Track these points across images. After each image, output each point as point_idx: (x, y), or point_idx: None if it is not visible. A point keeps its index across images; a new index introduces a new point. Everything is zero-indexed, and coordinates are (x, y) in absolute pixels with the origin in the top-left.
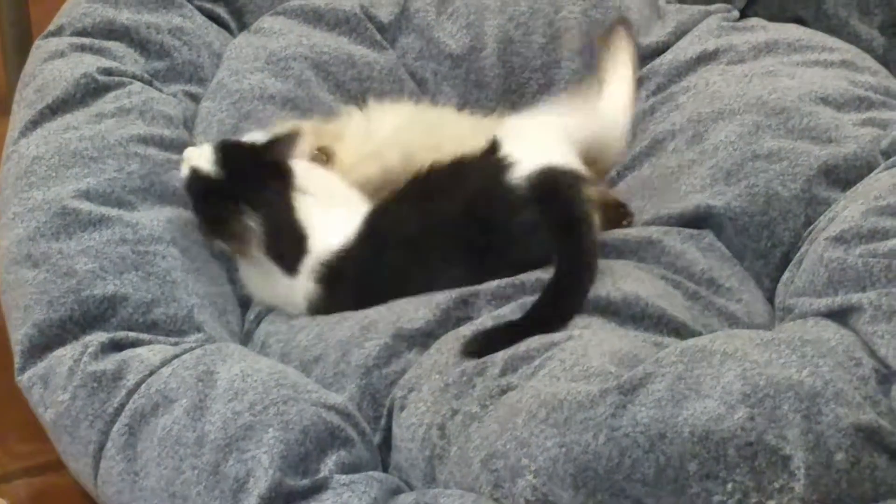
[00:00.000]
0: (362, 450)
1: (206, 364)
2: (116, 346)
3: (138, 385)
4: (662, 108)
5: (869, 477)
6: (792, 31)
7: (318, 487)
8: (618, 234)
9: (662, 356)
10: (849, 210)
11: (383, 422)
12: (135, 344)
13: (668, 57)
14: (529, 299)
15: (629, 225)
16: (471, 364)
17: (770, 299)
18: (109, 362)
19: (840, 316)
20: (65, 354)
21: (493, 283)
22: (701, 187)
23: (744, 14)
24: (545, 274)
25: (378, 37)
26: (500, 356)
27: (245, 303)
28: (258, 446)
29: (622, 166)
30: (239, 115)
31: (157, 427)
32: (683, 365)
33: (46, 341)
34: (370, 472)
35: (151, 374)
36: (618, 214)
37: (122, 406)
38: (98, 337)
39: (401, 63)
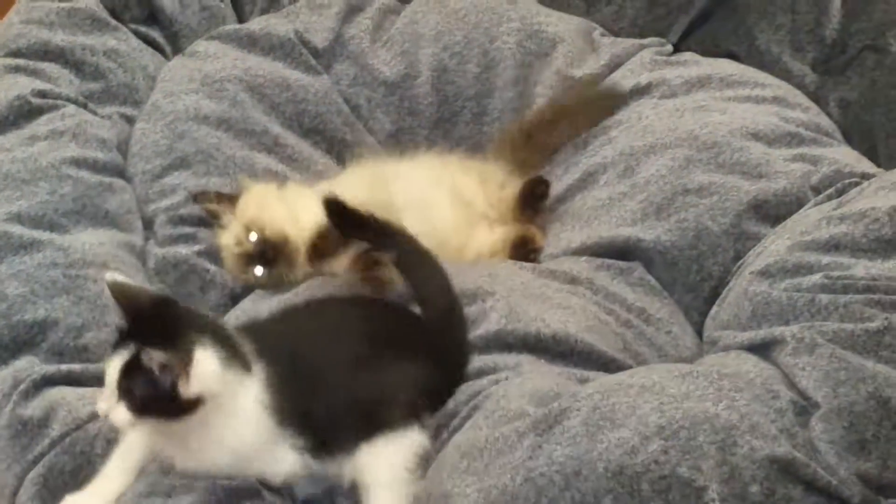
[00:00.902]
0: None
1: None
2: (48, 381)
3: (62, 437)
4: (595, 141)
5: None
6: (724, 67)
7: None
8: (549, 265)
9: (579, 391)
10: (775, 245)
11: None
12: (68, 379)
13: None
14: None
15: (535, 261)
16: None
17: (699, 332)
18: (37, 406)
19: (762, 349)
20: None
21: None
22: (632, 220)
23: (677, 48)
24: None
25: (312, 61)
26: (433, 422)
27: None
28: None
29: (554, 198)
30: (174, 136)
31: (73, 488)
32: (599, 395)
33: None
34: None
35: (77, 427)
36: (526, 250)
37: (42, 455)
38: (30, 366)
39: (335, 88)
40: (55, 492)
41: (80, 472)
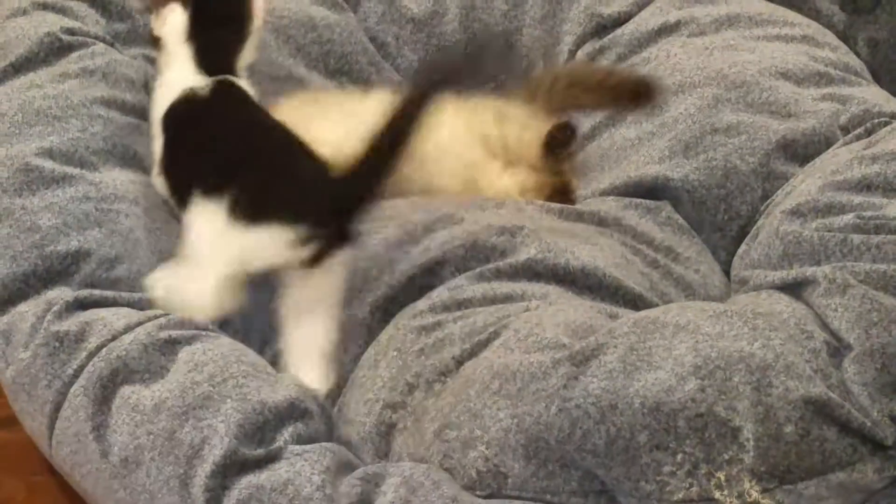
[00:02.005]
0: (320, 423)
1: (168, 333)
2: (81, 304)
3: (99, 348)
4: None
5: (818, 449)
6: (753, 5)
7: (273, 457)
8: (577, 207)
9: (615, 327)
10: (805, 184)
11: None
12: (99, 303)
13: (629, 27)
14: (488, 268)
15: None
16: (429, 341)
17: (727, 271)
18: (73, 323)
19: (794, 289)
20: (27, 311)
21: (458, 253)
22: (659, 159)
23: None
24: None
25: None
26: (458, 332)
27: None
28: (215, 416)
29: (581, 136)
30: None
31: (115, 392)
32: (636, 336)
33: (9, 296)
34: (324, 444)
35: (114, 338)
36: (567, 199)
37: (82, 368)
38: (62, 294)
39: (361, 26)
40: (98, 402)
41: (118, 376)
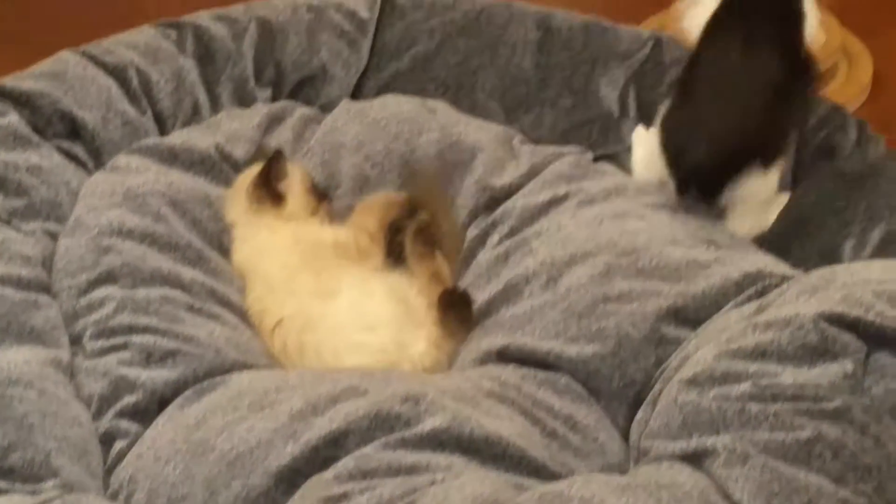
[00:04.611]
0: None
1: None
2: None
3: None
4: (516, 252)
5: None
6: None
7: None
8: (478, 371)
9: (521, 502)
10: (701, 352)
11: None
12: None
13: (520, 200)
14: (393, 437)
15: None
16: None
17: (626, 437)
18: None
19: (695, 459)
20: None
21: (363, 424)
22: (555, 333)
23: (597, 157)
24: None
25: (233, 175)
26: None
27: (107, 439)
28: None
29: (478, 311)
30: (98, 250)
31: None
32: None
33: None
34: None
35: None
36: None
37: None
38: None
39: None
40: None
41: None
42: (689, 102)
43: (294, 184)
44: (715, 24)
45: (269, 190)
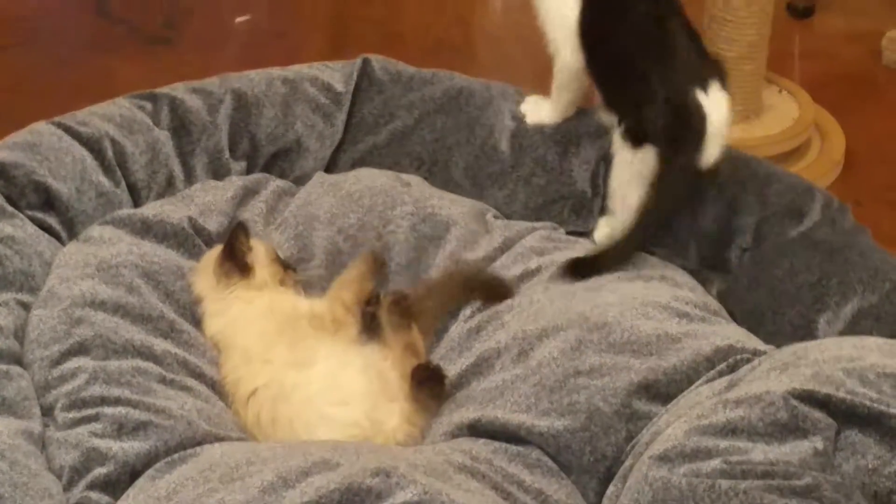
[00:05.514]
0: None
1: None
2: None
3: None
4: (488, 326)
5: None
6: None
7: None
8: (449, 445)
9: None
10: (672, 428)
11: None
12: None
13: None
14: None
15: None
16: None
17: None
18: None
19: None
20: None
21: (334, 497)
22: (526, 407)
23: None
24: None
25: (206, 249)
26: None
27: None
28: None
29: (449, 384)
30: (71, 322)
31: None
32: None
33: None
34: None
35: None
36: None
37: None
38: None
39: None
40: None
41: None
42: None
43: (259, 255)
44: None
45: (236, 262)
